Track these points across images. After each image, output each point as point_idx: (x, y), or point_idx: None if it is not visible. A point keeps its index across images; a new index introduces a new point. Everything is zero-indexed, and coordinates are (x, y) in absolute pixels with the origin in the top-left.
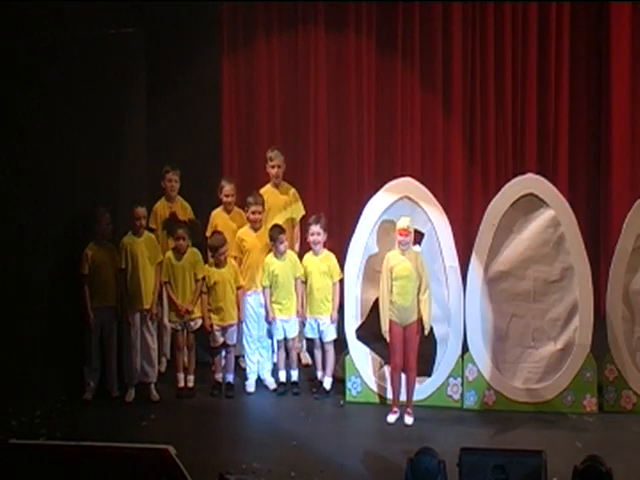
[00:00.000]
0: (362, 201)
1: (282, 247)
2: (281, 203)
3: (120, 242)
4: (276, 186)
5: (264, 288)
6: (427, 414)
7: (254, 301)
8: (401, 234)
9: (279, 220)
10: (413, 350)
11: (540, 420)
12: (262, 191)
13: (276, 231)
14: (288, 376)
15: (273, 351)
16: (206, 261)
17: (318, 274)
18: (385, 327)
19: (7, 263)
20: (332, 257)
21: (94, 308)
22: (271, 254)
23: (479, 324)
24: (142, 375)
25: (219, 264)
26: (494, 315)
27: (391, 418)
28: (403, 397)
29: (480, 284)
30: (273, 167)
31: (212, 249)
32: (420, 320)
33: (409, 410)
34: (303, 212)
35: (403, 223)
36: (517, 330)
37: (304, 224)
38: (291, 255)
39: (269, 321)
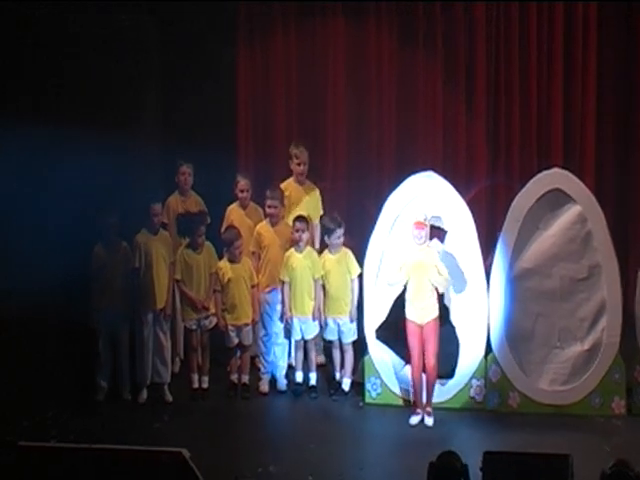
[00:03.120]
0: (382, 196)
1: (297, 236)
2: (302, 200)
3: (134, 240)
4: (300, 183)
5: (283, 283)
6: (449, 416)
7: (272, 298)
8: (417, 227)
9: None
10: (432, 349)
11: (566, 423)
12: (284, 185)
13: (297, 220)
14: (306, 379)
15: (289, 352)
16: (220, 258)
17: (336, 272)
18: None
19: (18, 262)
20: (349, 254)
21: (101, 308)
22: (293, 248)
23: (503, 324)
24: (155, 376)
25: (233, 260)
26: (519, 314)
27: (414, 420)
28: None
29: (504, 282)
30: (299, 165)
31: (227, 243)
32: (440, 317)
33: (429, 410)
34: (321, 212)
35: (419, 216)
36: (543, 330)
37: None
38: (312, 253)
39: (286, 319)
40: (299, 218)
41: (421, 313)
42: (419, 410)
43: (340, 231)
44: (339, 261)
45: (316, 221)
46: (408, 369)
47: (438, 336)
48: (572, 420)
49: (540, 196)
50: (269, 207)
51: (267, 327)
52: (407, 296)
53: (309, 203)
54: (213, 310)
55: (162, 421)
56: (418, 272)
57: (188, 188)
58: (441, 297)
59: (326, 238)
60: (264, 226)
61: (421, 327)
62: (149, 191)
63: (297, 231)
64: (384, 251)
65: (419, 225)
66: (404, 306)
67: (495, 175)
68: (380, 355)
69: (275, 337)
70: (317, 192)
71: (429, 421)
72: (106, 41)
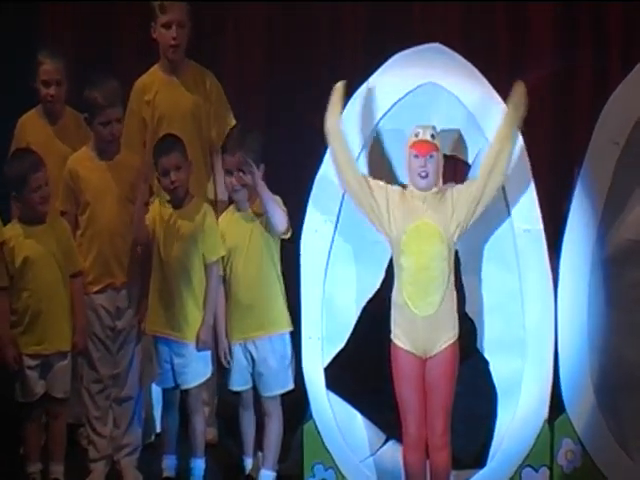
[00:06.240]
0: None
1: (165, 181)
2: (185, 103)
3: None
4: (173, 69)
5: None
6: None
7: (107, 305)
8: (420, 151)
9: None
10: (443, 407)
11: None
12: (145, 79)
13: (165, 145)
14: (186, 469)
15: (150, 417)
16: (5, 222)
17: (248, 249)
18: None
19: None
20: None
21: None
22: (157, 199)
23: (585, 353)
24: None
25: (32, 218)
26: (618, 333)
27: None
28: None
29: (588, 269)
30: (167, 26)
31: (15, 181)
32: (461, 343)
33: None
34: (232, 123)
35: (423, 133)
36: None
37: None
38: (201, 208)
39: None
40: (169, 139)
41: (424, 334)
42: None
43: (232, 159)
44: (254, 229)
45: (219, 142)
46: (395, 448)
47: (455, 380)
48: None
49: None
50: (104, 125)
51: (96, 363)
52: (395, 298)
53: (197, 107)
54: None
55: None
56: (420, 246)
57: None
58: (461, 301)
59: (230, 180)
60: (87, 157)
61: (423, 363)
62: None
63: (165, 172)
64: (342, 203)
65: (423, 147)
66: (388, 320)
67: (567, 54)
68: (336, 421)
69: (118, 385)
70: (216, 85)
71: None
72: None
